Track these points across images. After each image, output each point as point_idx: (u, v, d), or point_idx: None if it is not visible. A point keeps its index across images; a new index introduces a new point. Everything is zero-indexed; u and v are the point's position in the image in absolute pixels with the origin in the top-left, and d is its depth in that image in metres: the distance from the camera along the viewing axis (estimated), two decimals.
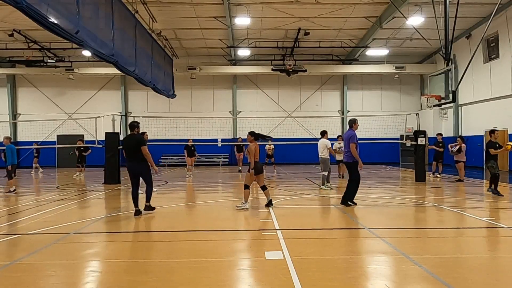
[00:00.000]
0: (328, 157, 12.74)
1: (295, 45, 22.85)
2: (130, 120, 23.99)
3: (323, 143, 12.73)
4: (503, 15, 18.39)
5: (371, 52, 24.03)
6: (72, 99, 27.10)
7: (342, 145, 15.95)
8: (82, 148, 18.29)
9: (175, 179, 16.97)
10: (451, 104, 19.69)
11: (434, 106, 14.82)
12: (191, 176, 17.66)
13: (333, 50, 24.75)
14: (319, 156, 12.89)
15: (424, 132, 15.46)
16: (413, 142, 15.48)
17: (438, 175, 16.07)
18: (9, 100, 26.72)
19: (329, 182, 12.66)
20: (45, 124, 24.18)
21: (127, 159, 8.15)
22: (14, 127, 26.68)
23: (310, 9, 18.37)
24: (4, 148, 12.25)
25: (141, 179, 8.39)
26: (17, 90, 27.30)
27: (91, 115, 20.38)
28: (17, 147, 12.87)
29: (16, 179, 12.41)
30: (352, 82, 27.72)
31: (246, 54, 25.39)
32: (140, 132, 8.85)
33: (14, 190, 12.09)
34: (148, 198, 8.38)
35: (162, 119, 23.25)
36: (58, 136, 26.25)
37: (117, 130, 15.95)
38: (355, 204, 8.96)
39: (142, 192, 8.56)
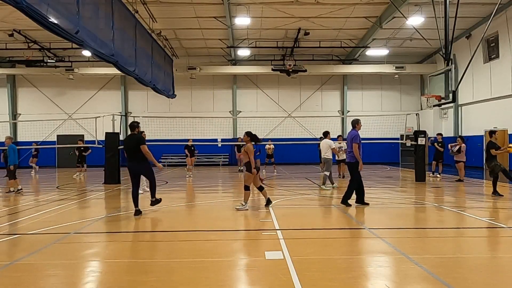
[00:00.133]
0: (331, 157, 12.78)
1: (295, 45, 22.84)
2: (130, 120, 24.01)
3: (326, 144, 12.77)
4: (503, 15, 18.39)
5: (371, 52, 24.03)
6: (72, 99, 27.09)
7: (341, 145, 16.03)
8: (82, 148, 18.29)
9: (175, 179, 16.97)
10: (451, 104, 19.69)
11: (434, 106, 14.82)
12: (191, 176, 17.66)
13: (333, 50, 24.75)
14: (322, 156, 12.92)
15: (424, 132, 15.46)
16: (413, 142, 15.49)
17: (438, 175, 16.07)
18: (9, 100, 26.73)
19: (333, 183, 12.66)
20: (45, 124, 24.17)
21: (127, 159, 8.17)
22: (14, 127, 26.68)
23: (310, 9, 18.36)
24: (5, 148, 12.24)
25: (141, 179, 8.40)
26: (17, 90, 27.30)
27: (91, 115, 20.37)
28: (17, 147, 12.86)
29: (18, 179, 12.39)
30: (352, 82, 27.72)
31: (246, 54, 25.38)
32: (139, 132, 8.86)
33: (20, 189, 12.09)
34: (153, 194, 8.41)
35: (162, 119, 23.24)
36: (58, 136, 26.25)
37: (117, 130, 15.94)
38: (367, 204, 8.93)
39: (142, 192, 8.56)
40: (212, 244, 5.86)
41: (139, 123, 8.47)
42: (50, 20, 7.32)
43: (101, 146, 15.78)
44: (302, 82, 27.44)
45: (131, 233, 6.93)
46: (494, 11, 13.59)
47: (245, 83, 27.50)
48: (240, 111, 27.26)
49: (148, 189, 8.96)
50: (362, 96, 27.92)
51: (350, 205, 8.86)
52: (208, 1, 17.45)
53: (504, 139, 19.09)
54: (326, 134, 13.10)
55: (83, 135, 24.45)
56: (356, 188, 8.98)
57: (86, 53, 20.33)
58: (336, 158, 15.40)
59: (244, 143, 8.91)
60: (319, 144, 18.51)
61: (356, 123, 9.19)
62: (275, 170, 19.74)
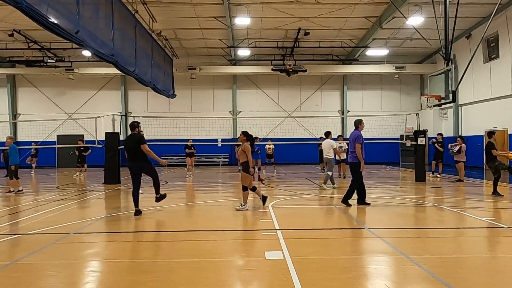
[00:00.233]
0: (333, 157, 12.78)
1: (295, 45, 22.84)
2: (130, 120, 24.01)
3: (328, 144, 12.78)
4: (503, 15, 18.39)
5: (371, 52, 24.03)
6: (72, 99, 27.10)
7: (342, 144, 16.03)
8: (82, 148, 18.29)
9: (175, 179, 16.97)
10: (451, 104, 19.68)
11: (434, 106, 14.81)
12: (191, 176, 17.67)
13: (333, 50, 24.75)
14: (324, 156, 12.91)
15: (424, 132, 15.46)
16: (413, 142, 15.48)
17: (438, 175, 16.07)
18: (9, 100, 26.73)
19: (334, 183, 12.66)
20: (45, 124, 24.20)
21: (128, 159, 8.16)
22: (14, 127, 26.68)
23: (310, 9, 18.37)
24: (6, 148, 12.23)
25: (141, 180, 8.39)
26: (17, 90, 27.30)
27: (91, 115, 20.37)
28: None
29: (20, 179, 12.39)
30: (352, 82, 27.71)
31: (246, 54, 25.39)
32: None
33: (21, 190, 12.09)
34: (157, 190, 8.44)
35: (162, 119, 23.24)
36: (58, 136, 26.24)
37: (117, 130, 15.94)
38: (368, 204, 8.94)
39: (142, 192, 8.56)
40: (212, 244, 5.86)
41: (139, 123, 8.48)
42: (50, 20, 7.32)
43: (101, 146, 15.78)
44: (302, 82, 27.44)
45: (131, 233, 6.93)
46: (494, 11, 13.59)
47: (245, 83, 27.50)
48: (240, 111, 27.26)
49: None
50: (362, 96, 27.92)
51: (350, 205, 8.86)
52: (208, 1, 17.46)
53: (504, 139, 19.11)
54: (327, 134, 13.10)
55: (83, 135, 24.44)
56: (357, 188, 8.99)
57: (86, 53, 20.34)
58: (337, 158, 15.41)
59: (240, 142, 8.85)
60: (319, 144, 18.58)
61: (358, 123, 9.20)
62: (275, 170, 19.74)
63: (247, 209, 8.51)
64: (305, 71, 23.85)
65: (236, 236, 6.55)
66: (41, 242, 5.96)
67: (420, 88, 27.67)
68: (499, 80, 19.52)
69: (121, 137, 16.47)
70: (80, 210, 9.29)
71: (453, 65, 13.62)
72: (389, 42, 23.40)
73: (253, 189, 8.82)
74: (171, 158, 25.96)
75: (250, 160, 8.49)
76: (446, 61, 13.60)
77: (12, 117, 26.60)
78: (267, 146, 19.45)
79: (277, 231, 6.46)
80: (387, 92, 27.99)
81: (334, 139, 14.54)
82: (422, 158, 15.30)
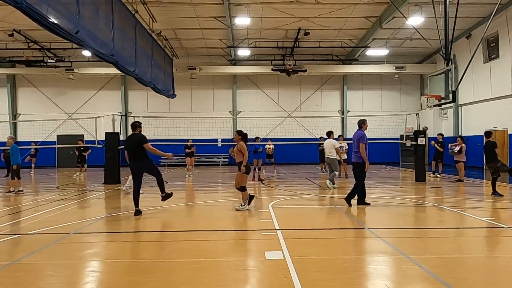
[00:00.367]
0: (336, 157, 12.76)
1: (295, 45, 22.84)
2: (130, 120, 23.99)
3: (330, 143, 12.76)
4: (503, 15, 18.39)
5: (371, 52, 24.02)
6: (72, 99, 27.10)
7: (342, 144, 16.02)
8: (82, 148, 18.29)
9: (175, 179, 16.97)
10: (451, 104, 19.69)
11: (434, 106, 14.82)
12: (191, 176, 17.67)
13: (333, 50, 24.75)
14: (326, 156, 12.89)
15: (424, 132, 15.46)
16: (413, 142, 15.48)
17: (438, 175, 16.07)
18: (9, 100, 26.73)
19: (334, 183, 12.66)
20: (45, 124, 24.18)
21: (129, 159, 8.13)
22: (14, 127, 26.68)
23: (310, 9, 18.37)
24: (6, 148, 12.23)
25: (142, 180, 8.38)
26: (17, 90, 27.30)
27: (91, 115, 20.37)
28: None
29: (21, 179, 12.40)
30: (352, 82, 27.72)
31: (246, 54, 25.39)
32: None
33: (21, 190, 12.09)
34: (162, 189, 8.44)
35: (162, 119, 23.24)
36: (58, 136, 26.24)
37: (117, 130, 15.93)
38: (368, 204, 8.94)
39: (142, 192, 8.55)
40: (212, 244, 5.86)
41: (140, 123, 8.47)
42: (50, 20, 7.32)
43: (101, 146, 15.79)
44: (302, 82, 27.44)
45: (131, 233, 6.93)
46: (494, 11, 13.59)
47: (245, 83, 27.50)
48: (240, 111, 27.26)
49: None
50: (362, 96, 27.92)
51: (351, 205, 8.87)
52: (208, 1, 17.46)
53: (504, 139, 19.12)
54: (329, 134, 13.09)
55: (83, 135, 24.45)
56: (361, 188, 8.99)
57: (86, 53, 20.33)
58: (338, 158, 15.39)
59: (236, 142, 8.77)
60: (319, 144, 18.57)
61: (362, 123, 9.21)
62: (275, 170, 19.73)
63: (247, 209, 8.50)
64: (305, 71, 23.85)
65: (236, 236, 6.55)
66: (41, 242, 5.96)
67: (420, 88, 27.67)
68: (499, 80, 19.51)
69: (121, 137, 16.47)
70: (80, 210, 9.29)
71: (453, 65, 13.62)
72: (389, 42, 23.40)
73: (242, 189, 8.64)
74: (171, 158, 25.95)
75: (246, 158, 8.42)
76: (446, 61, 13.61)
77: (12, 117, 26.60)
78: (267, 146, 19.43)
79: (277, 231, 6.46)
80: (387, 92, 27.99)
81: (335, 139, 14.54)
82: (422, 158, 15.30)
